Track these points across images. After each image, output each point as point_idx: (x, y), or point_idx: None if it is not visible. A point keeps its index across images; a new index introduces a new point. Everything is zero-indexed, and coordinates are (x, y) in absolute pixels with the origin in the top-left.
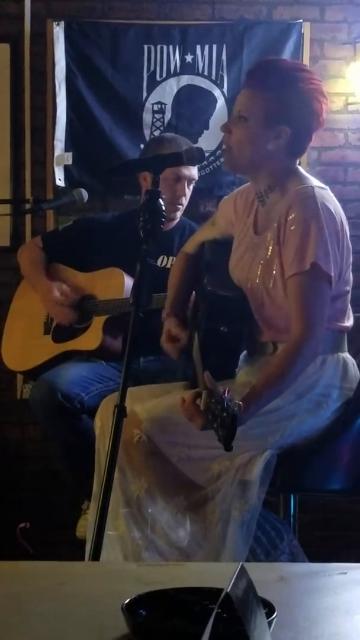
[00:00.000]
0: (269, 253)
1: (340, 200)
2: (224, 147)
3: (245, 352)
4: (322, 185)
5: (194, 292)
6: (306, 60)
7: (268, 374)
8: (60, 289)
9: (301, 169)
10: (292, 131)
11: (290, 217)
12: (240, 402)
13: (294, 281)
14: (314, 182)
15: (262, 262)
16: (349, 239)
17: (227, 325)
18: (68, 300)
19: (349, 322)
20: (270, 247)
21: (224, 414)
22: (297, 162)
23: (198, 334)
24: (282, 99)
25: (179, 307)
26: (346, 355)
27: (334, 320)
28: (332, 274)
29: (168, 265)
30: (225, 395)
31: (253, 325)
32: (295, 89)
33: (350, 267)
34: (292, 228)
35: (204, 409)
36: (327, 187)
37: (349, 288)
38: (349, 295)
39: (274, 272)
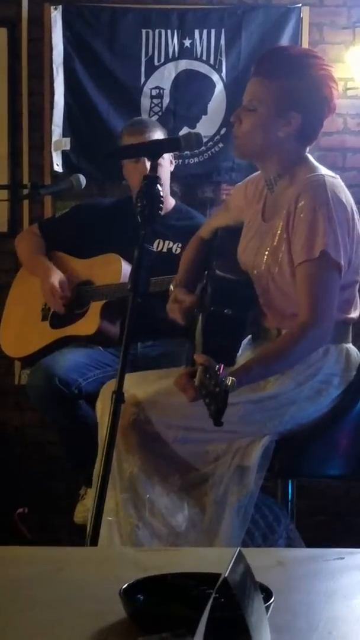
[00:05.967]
0: (276, 240)
1: None
2: (234, 135)
3: (249, 337)
4: (333, 174)
5: (205, 275)
6: (305, 45)
7: (265, 352)
8: (61, 280)
9: (311, 158)
10: (302, 118)
11: (300, 204)
12: (234, 379)
13: (303, 268)
14: (324, 170)
15: (268, 249)
16: (359, 228)
17: (231, 308)
18: (63, 294)
19: (355, 313)
20: (278, 234)
21: (217, 389)
22: (307, 149)
23: (202, 315)
24: (292, 86)
25: (188, 283)
26: (350, 345)
27: (339, 310)
28: (342, 262)
29: (164, 250)
30: (220, 371)
31: (258, 311)
32: (305, 76)
33: None
34: (301, 215)
35: (198, 384)
36: (338, 176)
37: (358, 278)
38: (358, 286)
39: (280, 259)
